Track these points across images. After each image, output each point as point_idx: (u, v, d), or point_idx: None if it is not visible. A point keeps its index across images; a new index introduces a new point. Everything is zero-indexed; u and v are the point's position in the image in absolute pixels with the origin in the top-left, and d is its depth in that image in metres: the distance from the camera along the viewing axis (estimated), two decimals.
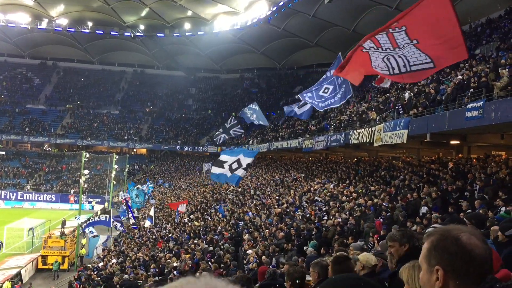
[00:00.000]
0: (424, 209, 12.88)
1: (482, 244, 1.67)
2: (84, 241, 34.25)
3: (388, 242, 4.62)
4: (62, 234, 32.78)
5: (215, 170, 22.12)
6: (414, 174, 17.84)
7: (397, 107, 19.92)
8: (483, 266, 1.64)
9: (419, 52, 9.05)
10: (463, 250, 1.63)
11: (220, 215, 26.20)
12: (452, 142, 18.96)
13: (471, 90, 14.88)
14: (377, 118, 21.54)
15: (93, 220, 31.99)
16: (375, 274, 5.26)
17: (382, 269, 5.28)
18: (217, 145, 59.02)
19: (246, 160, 20.41)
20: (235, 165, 20.33)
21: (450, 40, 8.74)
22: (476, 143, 18.99)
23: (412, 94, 21.08)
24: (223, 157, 21.98)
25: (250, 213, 23.25)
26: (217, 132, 42.99)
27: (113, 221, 32.50)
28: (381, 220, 13.72)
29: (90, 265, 28.90)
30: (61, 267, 30.61)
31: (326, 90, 21.72)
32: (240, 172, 20.64)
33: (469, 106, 13.42)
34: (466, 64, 19.94)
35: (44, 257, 31.07)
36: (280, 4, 50.72)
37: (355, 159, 29.21)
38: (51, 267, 30.26)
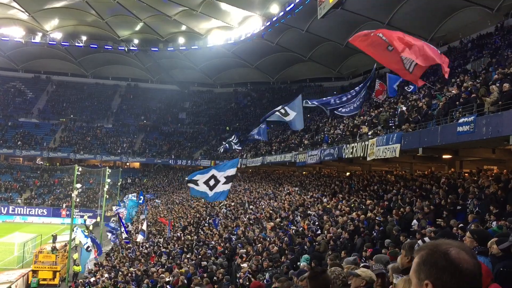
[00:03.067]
0: (416, 223, 12.90)
1: (471, 259, 1.68)
2: (76, 256, 33.82)
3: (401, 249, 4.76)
4: (54, 249, 32.39)
5: (193, 186, 21.22)
6: (407, 188, 17.88)
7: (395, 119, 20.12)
8: (472, 280, 1.66)
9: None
10: (452, 265, 1.65)
11: (214, 229, 26.09)
12: (444, 157, 19.06)
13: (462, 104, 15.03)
14: (370, 133, 21.64)
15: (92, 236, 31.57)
16: None
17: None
18: (210, 159, 59.02)
19: (226, 173, 19.44)
20: (212, 182, 19.33)
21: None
22: (468, 157, 19.09)
23: (405, 108, 21.21)
24: (195, 177, 21.14)
25: (242, 228, 23.15)
26: (231, 140, 41.78)
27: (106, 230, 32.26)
28: (374, 234, 13.73)
29: (81, 280, 28.52)
30: (52, 282, 30.20)
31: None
32: (220, 188, 19.59)
33: (461, 121, 13.53)
34: (458, 80, 20.16)
35: (35, 272, 30.65)
36: (274, 19, 51.13)
37: (348, 173, 29.24)
38: (41, 282, 29.86)
